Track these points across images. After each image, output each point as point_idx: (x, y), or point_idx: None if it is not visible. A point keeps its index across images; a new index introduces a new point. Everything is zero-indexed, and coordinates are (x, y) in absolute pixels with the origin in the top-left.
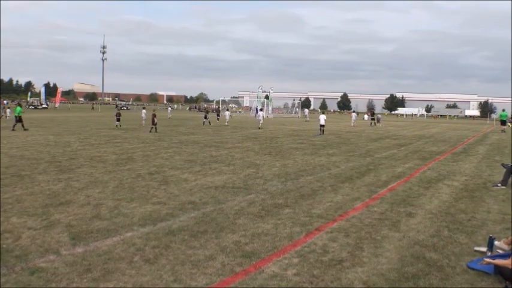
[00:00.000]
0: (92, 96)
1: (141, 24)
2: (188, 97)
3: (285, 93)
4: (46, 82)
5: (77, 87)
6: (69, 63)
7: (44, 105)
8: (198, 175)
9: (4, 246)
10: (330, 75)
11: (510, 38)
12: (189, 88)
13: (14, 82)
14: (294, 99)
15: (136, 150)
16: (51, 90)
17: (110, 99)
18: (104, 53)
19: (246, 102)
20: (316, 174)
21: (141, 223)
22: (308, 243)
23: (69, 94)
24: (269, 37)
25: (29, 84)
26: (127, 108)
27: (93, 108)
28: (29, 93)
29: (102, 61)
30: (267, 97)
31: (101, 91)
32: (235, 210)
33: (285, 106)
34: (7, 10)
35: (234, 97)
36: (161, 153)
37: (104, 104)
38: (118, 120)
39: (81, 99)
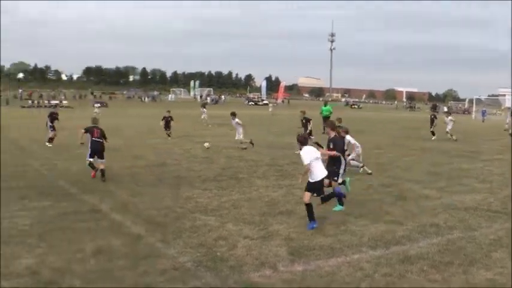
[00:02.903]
0: (317, 92)
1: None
2: (433, 94)
3: None
4: (267, 75)
5: (302, 81)
6: (294, 54)
7: (264, 101)
8: (444, 192)
9: (218, 254)
10: None
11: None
12: (438, 83)
13: (234, 75)
14: None
15: (369, 156)
16: (273, 85)
17: (339, 95)
18: (332, 41)
19: (507, 103)
20: None
21: (371, 244)
22: None
23: (292, 89)
24: None
25: (249, 78)
26: (358, 106)
27: (325, 104)
28: (248, 88)
29: (330, 51)
30: None
31: (328, 86)
32: (491, 240)
33: None
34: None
35: (492, 95)
36: (397, 161)
37: (332, 100)
38: None
39: (306, 95)
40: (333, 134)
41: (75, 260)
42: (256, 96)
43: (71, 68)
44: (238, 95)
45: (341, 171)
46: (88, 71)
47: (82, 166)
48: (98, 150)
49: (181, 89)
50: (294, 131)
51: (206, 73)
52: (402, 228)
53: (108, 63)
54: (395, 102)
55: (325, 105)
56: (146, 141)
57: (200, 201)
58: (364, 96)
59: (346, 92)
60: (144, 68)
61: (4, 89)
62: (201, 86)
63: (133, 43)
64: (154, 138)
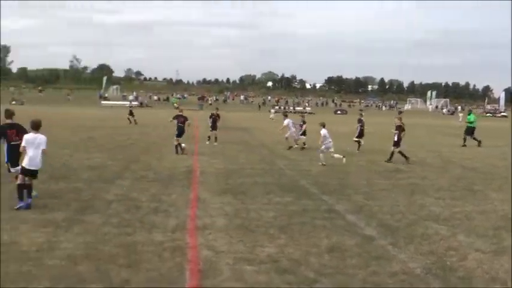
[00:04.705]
0: None
1: None
2: None
3: None
4: (507, 87)
5: None
6: None
7: (503, 113)
8: None
9: (448, 263)
10: None
11: None
12: None
13: (471, 86)
14: None
15: None
16: None
17: None
18: None
19: None
20: None
21: None
22: None
23: None
24: None
25: (486, 89)
26: None
27: (469, 113)
28: (486, 99)
29: None
30: None
31: None
32: None
33: None
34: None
35: None
36: None
37: None
38: None
39: None
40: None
41: (311, 253)
42: (494, 108)
43: (314, 78)
44: (475, 106)
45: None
46: (330, 81)
47: (322, 168)
48: (181, 132)
49: (418, 99)
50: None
51: (443, 84)
52: None
53: (349, 74)
54: None
55: (469, 114)
56: (384, 147)
57: (433, 210)
58: None
59: None
60: (382, 78)
61: (255, 95)
62: (437, 96)
63: (372, 54)
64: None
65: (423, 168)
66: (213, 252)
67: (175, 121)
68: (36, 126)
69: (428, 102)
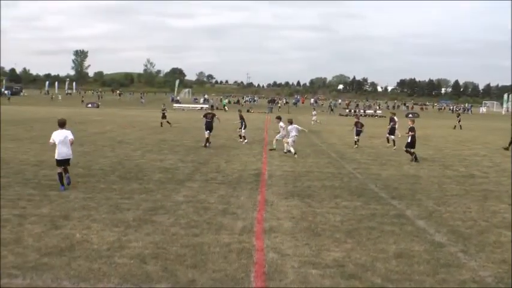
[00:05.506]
0: None
1: None
2: None
3: None
4: None
5: None
6: None
7: None
8: None
9: None
10: None
11: None
12: None
13: None
14: None
15: None
16: None
17: None
18: None
19: None
20: None
21: None
22: None
23: None
24: None
25: None
26: None
27: None
28: None
29: None
30: None
31: None
32: None
33: None
34: None
35: None
36: None
37: None
38: None
39: None
40: None
41: (378, 259)
42: None
43: (386, 80)
44: None
45: None
46: (402, 83)
47: (392, 172)
48: (209, 127)
49: (494, 102)
50: None
51: None
52: None
53: (422, 76)
54: None
55: None
56: (457, 151)
57: (506, 217)
58: None
59: None
60: (456, 81)
61: (326, 98)
62: None
63: (446, 55)
64: (465, 150)
65: (498, 173)
66: (279, 255)
67: (204, 118)
68: (61, 124)
69: (504, 105)
